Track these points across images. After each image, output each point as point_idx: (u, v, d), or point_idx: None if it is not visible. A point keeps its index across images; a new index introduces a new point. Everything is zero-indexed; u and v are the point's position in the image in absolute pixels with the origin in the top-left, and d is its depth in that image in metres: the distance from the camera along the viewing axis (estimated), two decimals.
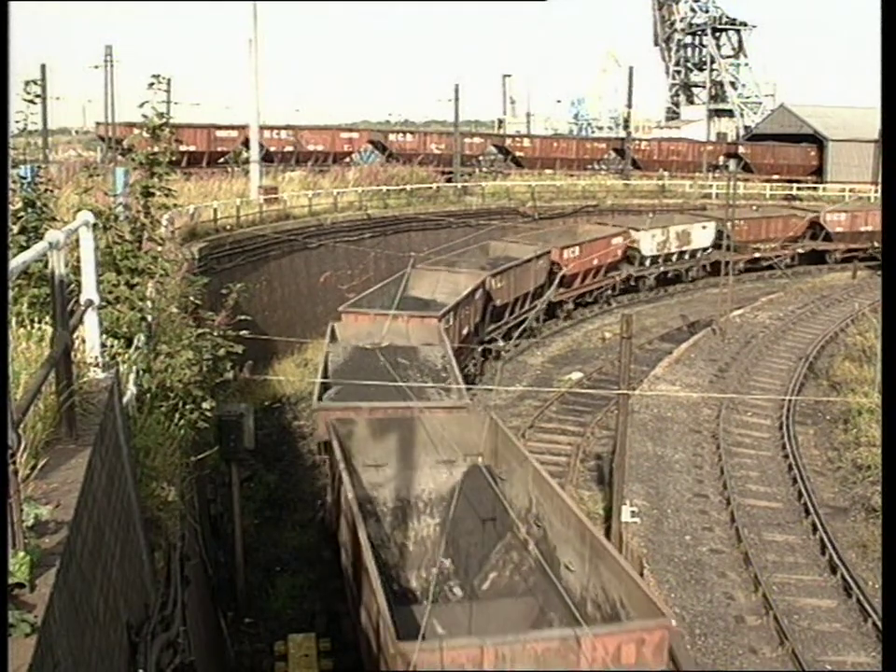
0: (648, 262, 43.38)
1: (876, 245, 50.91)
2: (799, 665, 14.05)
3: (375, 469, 14.35)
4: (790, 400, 25.60)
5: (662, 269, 44.16)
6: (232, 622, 14.62)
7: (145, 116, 9.99)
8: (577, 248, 37.78)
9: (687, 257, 45.61)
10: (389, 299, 26.04)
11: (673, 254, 44.59)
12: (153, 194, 9.88)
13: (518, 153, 63.00)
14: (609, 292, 41.28)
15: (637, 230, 42.58)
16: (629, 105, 67.80)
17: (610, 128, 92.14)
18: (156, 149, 9.87)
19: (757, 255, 48.50)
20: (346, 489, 12.13)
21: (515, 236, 40.71)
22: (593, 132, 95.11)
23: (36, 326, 5.87)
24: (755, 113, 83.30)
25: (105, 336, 6.60)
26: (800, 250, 51.27)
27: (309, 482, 21.49)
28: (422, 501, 14.30)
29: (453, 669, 8.24)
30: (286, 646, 13.35)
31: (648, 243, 42.82)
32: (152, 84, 9.93)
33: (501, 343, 31.67)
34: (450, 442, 14.24)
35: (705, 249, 46.14)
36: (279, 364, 30.05)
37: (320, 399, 17.27)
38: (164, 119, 10.01)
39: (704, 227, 46.02)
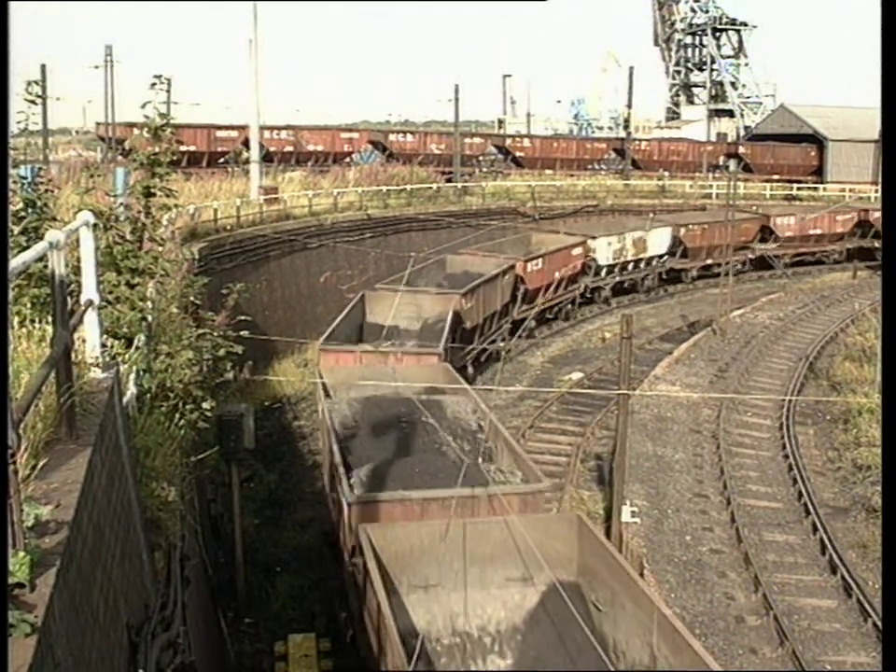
0: (604, 272, 40.70)
1: (826, 248, 51.30)
2: (799, 665, 14.05)
3: (424, 590, 11.24)
4: (790, 401, 25.59)
5: (617, 279, 41.52)
6: (233, 622, 14.63)
7: (147, 116, 9.99)
8: (539, 261, 34.79)
9: (643, 265, 43.22)
10: (353, 328, 24.14)
11: (629, 262, 42.07)
12: (154, 194, 9.88)
13: (518, 153, 63.01)
14: (570, 307, 38.23)
15: (595, 237, 40.01)
16: (629, 106, 67.81)
17: (610, 128, 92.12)
18: (157, 150, 9.87)
19: (709, 261, 45.92)
20: (388, 621, 9.32)
21: (472, 248, 36.68)
22: (593, 132, 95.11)
23: (37, 326, 5.88)
24: (755, 113, 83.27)
25: (105, 336, 6.60)
26: (750, 255, 48.72)
27: (309, 482, 21.51)
28: (488, 634, 11.28)
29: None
30: (286, 646, 13.36)
31: (604, 251, 40.07)
32: (154, 84, 9.93)
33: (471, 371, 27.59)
34: (524, 549, 11.02)
35: (660, 256, 43.93)
36: (279, 364, 30.08)
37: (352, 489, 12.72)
38: (166, 120, 10.00)
39: (659, 233, 43.59)
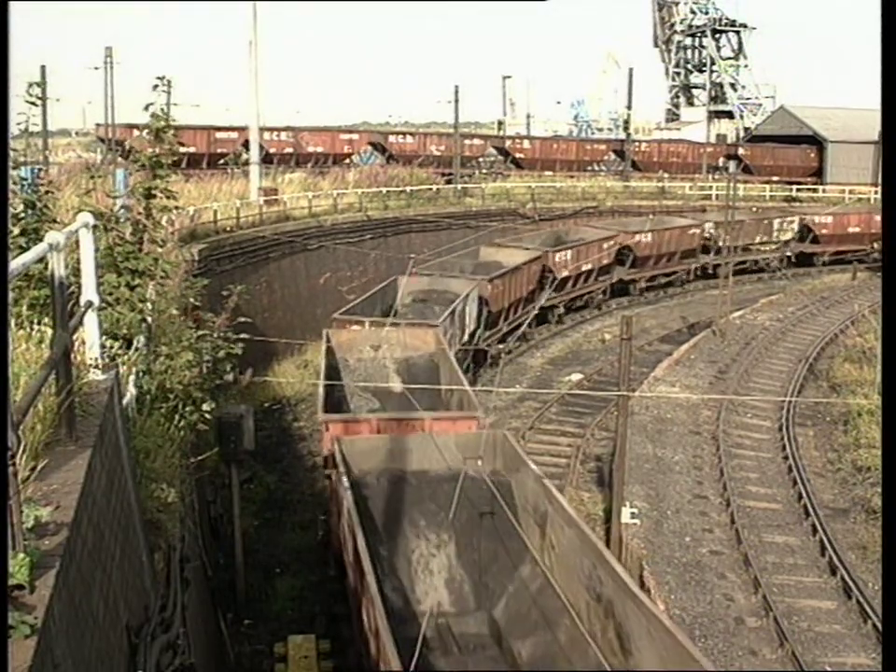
0: (564, 286, 37.28)
1: (760, 256, 49.56)
2: (799, 666, 14.04)
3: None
4: (790, 402, 25.60)
5: (572, 294, 38.33)
6: (232, 623, 14.62)
7: (154, 115, 10.00)
8: (501, 280, 31.56)
9: (595, 275, 40.14)
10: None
11: (583, 273, 38.75)
12: (155, 196, 9.89)
13: (518, 154, 63.03)
14: (527, 327, 33.24)
15: (555, 248, 37.44)
16: (629, 107, 67.84)
17: (610, 129, 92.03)
18: (158, 151, 9.88)
19: (657, 272, 44.04)
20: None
21: (424, 266, 32.03)
22: (592, 133, 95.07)
23: (36, 327, 5.88)
24: (755, 114, 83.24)
25: (104, 337, 6.60)
26: (695, 264, 46.41)
27: (309, 483, 21.50)
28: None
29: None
30: (285, 647, 13.34)
31: (561, 263, 36.93)
32: (156, 86, 9.94)
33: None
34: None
35: (608, 266, 41.15)
36: (279, 365, 30.07)
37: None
38: (167, 122, 10.02)
39: (608, 241, 40.52)
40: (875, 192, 59.08)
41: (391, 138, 59.38)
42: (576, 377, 30.09)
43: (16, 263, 4.20)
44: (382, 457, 13.69)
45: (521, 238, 40.73)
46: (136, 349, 8.17)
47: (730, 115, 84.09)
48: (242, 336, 11.66)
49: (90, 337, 6.02)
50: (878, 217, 51.29)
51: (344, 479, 12.36)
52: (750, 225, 47.53)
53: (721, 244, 44.97)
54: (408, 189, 48.13)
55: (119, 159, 35.15)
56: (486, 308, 30.10)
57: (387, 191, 46.44)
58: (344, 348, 21.05)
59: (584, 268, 38.68)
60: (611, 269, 41.44)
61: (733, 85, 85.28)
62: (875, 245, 50.73)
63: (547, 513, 11.83)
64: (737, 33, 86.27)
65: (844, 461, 22.08)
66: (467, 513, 12.92)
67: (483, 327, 29.98)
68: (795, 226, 51.06)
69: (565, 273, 36.89)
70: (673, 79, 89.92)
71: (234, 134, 50.20)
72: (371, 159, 60.35)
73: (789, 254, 51.08)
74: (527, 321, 31.89)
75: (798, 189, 64.26)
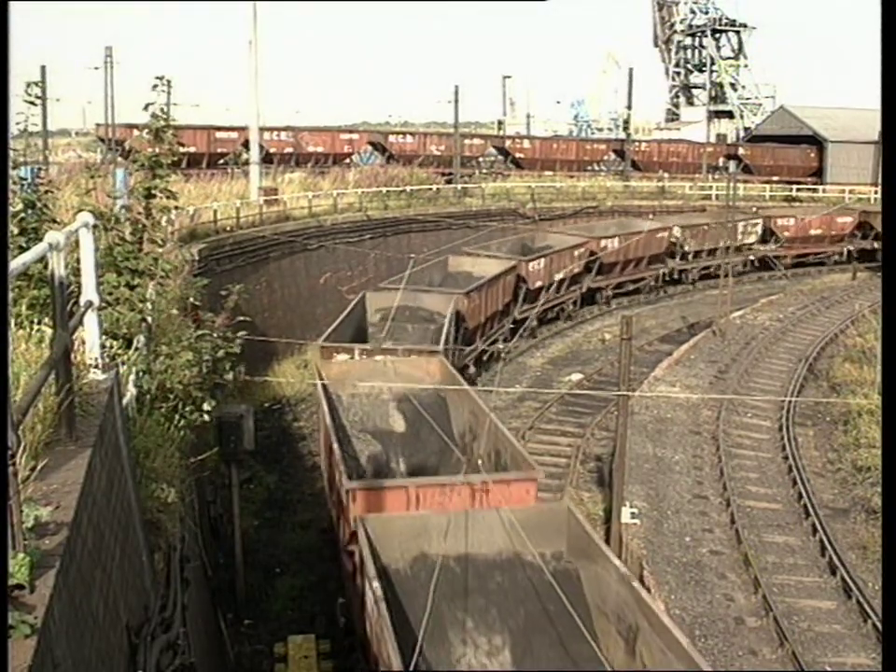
0: (537, 297, 34.86)
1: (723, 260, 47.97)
2: (799, 666, 14.04)
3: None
4: (790, 402, 25.60)
5: (544, 305, 35.29)
6: (232, 623, 14.62)
7: (154, 115, 10.00)
8: (478, 293, 28.64)
9: (567, 285, 37.57)
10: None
11: (555, 282, 35.71)
12: (154, 196, 9.89)
13: (518, 154, 63.03)
14: (501, 346, 30.24)
15: (529, 258, 34.86)
16: (629, 107, 67.84)
17: (610, 129, 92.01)
18: (157, 151, 9.88)
19: (623, 278, 41.79)
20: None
21: (390, 280, 29.35)
22: (592, 133, 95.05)
23: (36, 327, 5.88)
24: (755, 114, 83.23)
25: (104, 337, 6.60)
26: (663, 269, 44.27)
27: (309, 483, 21.50)
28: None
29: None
30: (285, 647, 13.35)
31: (534, 272, 34.65)
32: (156, 86, 9.95)
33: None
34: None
35: (578, 275, 38.56)
36: (279, 365, 30.08)
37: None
38: (167, 122, 10.01)
39: (578, 248, 38.13)
40: (875, 192, 59.06)
41: (391, 138, 59.39)
42: (576, 377, 30.09)
43: (16, 263, 4.20)
44: (417, 538, 11.42)
45: (488, 246, 37.53)
46: (136, 349, 8.17)
47: (730, 115, 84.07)
48: (241, 335, 11.64)
49: (90, 337, 6.02)
50: (840, 220, 51.45)
51: (376, 582, 9.83)
52: (715, 228, 45.12)
53: (686, 248, 44.63)
54: (408, 188, 48.12)
55: (119, 158, 35.15)
56: (462, 324, 26.94)
57: (387, 191, 46.43)
58: (336, 383, 18.71)
59: (557, 277, 35.82)
60: (582, 277, 38.61)
61: (733, 85, 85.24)
62: (835, 248, 50.96)
63: (638, 628, 9.48)
64: (737, 33, 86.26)
65: (844, 461, 22.08)
66: (525, 612, 10.99)
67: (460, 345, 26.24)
68: (759, 229, 49.23)
69: (538, 284, 34.64)
70: (673, 79, 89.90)
71: (234, 134, 50.21)
72: (371, 159, 60.36)
73: (752, 258, 48.64)
74: (503, 337, 29.87)
75: (798, 189, 64.26)
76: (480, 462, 13.19)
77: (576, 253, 37.95)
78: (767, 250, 49.42)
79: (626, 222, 46.15)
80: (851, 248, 51.60)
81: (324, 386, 17.72)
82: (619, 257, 40.67)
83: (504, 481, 12.52)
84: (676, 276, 45.30)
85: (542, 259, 35.36)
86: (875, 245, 48.94)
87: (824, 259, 51.44)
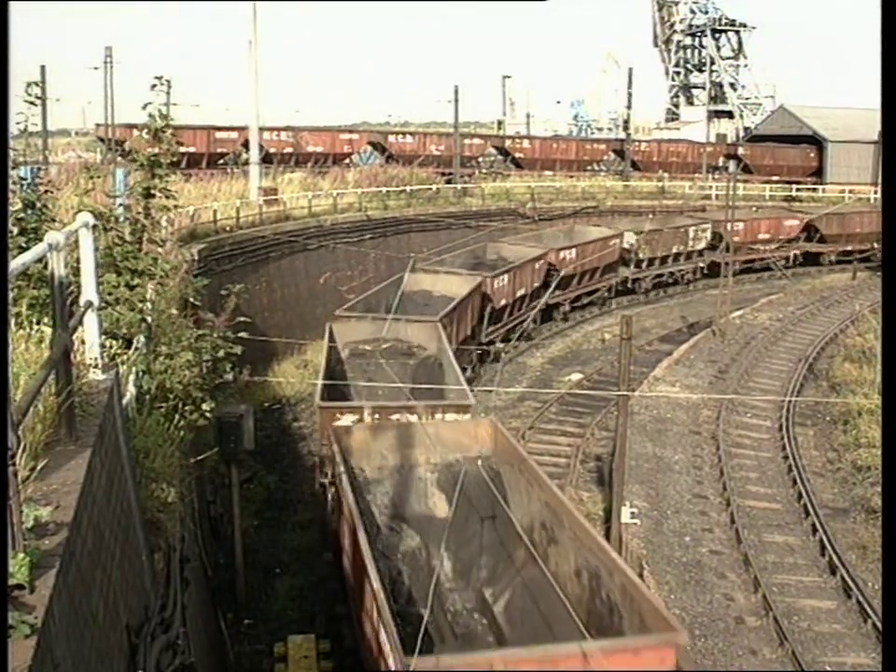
0: (501, 316, 32.53)
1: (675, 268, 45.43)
2: (799, 666, 14.04)
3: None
4: (789, 401, 25.60)
5: (508, 325, 32.71)
6: (232, 623, 14.62)
7: (151, 115, 10.00)
8: (449, 318, 25.12)
9: (528, 301, 34.71)
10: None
11: (518, 299, 33.77)
12: (154, 196, 9.90)
13: (518, 154, 63.03)
14: (472, 371, 28.07)
15: (493, 274, 31.45)
16: (629, 107, 67.85)
17: (610, 129, 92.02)
18: (157, 151, 9.89)
19: (580, 291, 39.10)
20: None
21: (347, 306, 25.42)
22: (592, 133, 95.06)
23: (36, 327, 5.88)
24: (755, 114, 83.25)
25: (104, 337, 6.60)
26: (616, 279, 41.85)
27: (309, 483, 21.48)
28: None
29: None
30: (285, 647, 13.34)
31: (500, 290, 31.70)
32: (155, 86, 9.96)
33: None
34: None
35: (539, 289, 35.00)
36: (279, 365, 30.07)
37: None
38: (167, 122, 10.02)
39: (538, 260, 35.29)
40: (875, 192, 59.07)
41: (391, 138, 59.38)
42: (576, 377, 30.08)
43: (16, 263, 4.20)
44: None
45: (443, 260, 33.55)
46: (136, 349, 8.17)
47: (730, 115, 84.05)
48: (241, 335, 11.65)
49: (89, 337, 6.02)
50: (787, 223, 50.50)
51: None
52: (668, 234, 43.58)
53: (640, 255, 42.40)
54: (408, 188, 48.12)
55: (119, 158, 35.16)
56: None
57: (387, 191, 46.43)
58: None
59: (519, 293, 33.47)
60: (541, 292, 34.43)
61: (733, 85, 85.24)
62: (779, 254, 49.89)
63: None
64: (737, 32, 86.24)
65: (844, 461, 22.09)
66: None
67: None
68: (709, 234, 46.06)
69: (503, 302, 32.04)
70: (673, 79, 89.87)
71: (234, 134, 50.20)
72: (371, 159, 60.34)
73: (702, 265, 46.31)
74: (472, 364, 28.15)
75: (798, 189, 64.28)
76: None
77: (536, 265, 35.24)
78: (716, 256, 44.30)
79: (580, 229, 42.96)
80: (798, 252, 50.97)
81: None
82: (576, 268, 37.59)
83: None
84: (630, 286, 42.69)
85: (505, 276, 32.29)
86: (821, 248, 51.11)
87: (770, 263, 48.91)
